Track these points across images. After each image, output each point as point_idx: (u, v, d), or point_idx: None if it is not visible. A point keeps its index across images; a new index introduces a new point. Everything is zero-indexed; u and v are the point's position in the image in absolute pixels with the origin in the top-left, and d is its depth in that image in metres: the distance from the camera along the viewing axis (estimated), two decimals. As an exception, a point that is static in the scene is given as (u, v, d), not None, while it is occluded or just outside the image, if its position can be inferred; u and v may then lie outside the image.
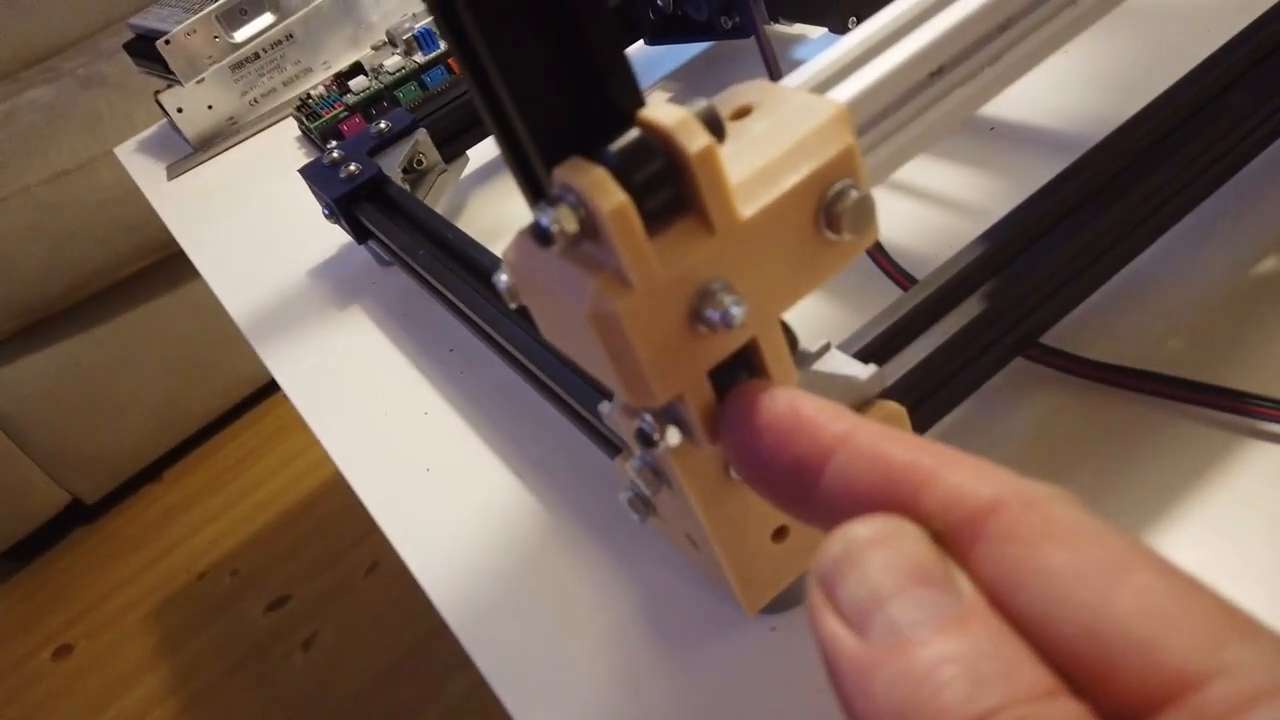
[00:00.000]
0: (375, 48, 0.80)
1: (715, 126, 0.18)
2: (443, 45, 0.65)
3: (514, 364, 0.36)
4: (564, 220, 0.17)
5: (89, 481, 1.50)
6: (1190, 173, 0.29)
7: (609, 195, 0.17)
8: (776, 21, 0.51)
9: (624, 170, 0.17)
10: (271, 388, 1.63)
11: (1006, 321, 0.28)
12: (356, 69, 0.69)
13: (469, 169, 0.55)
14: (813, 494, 0.16)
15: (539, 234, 0.18)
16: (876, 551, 0.14)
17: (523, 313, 0.22)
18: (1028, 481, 0.14)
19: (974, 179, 0.39)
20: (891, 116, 0.22)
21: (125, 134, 1.36)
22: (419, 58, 0.65)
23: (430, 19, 0.70)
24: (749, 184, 0.19)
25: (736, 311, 0.18)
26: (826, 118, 0.19)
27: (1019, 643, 0.12)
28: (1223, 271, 0.31)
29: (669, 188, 0.18)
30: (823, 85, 0.22)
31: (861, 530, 0.14)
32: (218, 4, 0.72)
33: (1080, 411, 0.29)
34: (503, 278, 0.22)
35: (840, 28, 0.47)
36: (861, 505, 0.15)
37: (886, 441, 0.15)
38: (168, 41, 0.71)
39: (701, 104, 0.18)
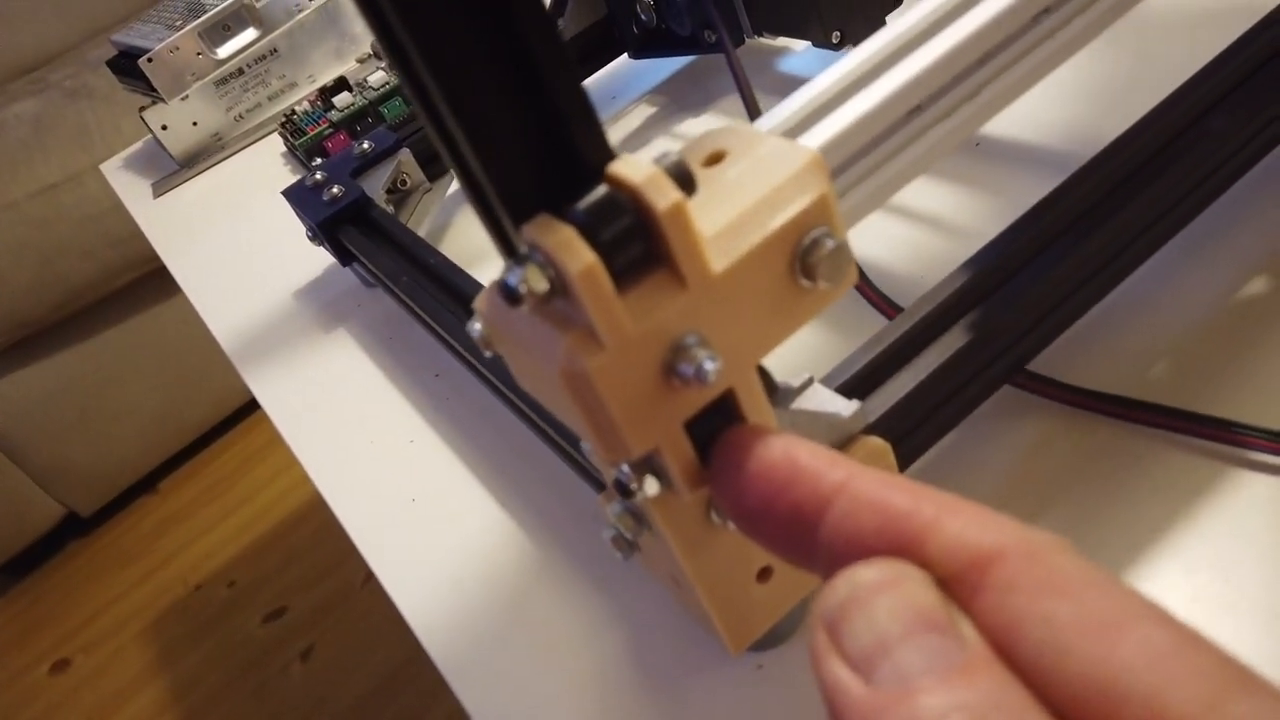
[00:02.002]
0: (360, 60, 0.80)
1: (685, 181, 0.18)
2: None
3: (497, 393, 0.36)
4: (533, 280, 0.17)
5: (83, 494, 1.50)
6: (1174, 196, 0.29)
7: (577, 255, 0.17)
8: (760, 35, 0.51)
9: (592, 228, 0.17)
10: (265, 397, 1.62)
11: (993, 350, 0.27)
12: (341, 84, 0.68)
13: (453, 187, 0.54)
14: (811, 542, 0.16)
15: (508, 293, 0.17)
16: (882, 595, 0.14)
17: (497, 360, 0.22)
18: (1030, 530, 0.14)
19: (958, 197, 0.39)
20: (869, 156, 0.21)
21: (113, 146, 1.35)
22: (403, 72, 0.65)
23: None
24: (721, 236, 0.19)
25: (710, 366, 0.18)
26: (800, 165, 0.19)
27: (1024, 693, 0.12)
28: (1208, 295, 0.30)
29: (638, 243, 0.18)
30: (799, 126, 0.22)
31: (867, 574, 0.14)
32: (200, 20, 0.72)
33: (1068, 439, 0.28)
34: (476, 327, 0.21)
35: (824, 41, 0.46)
36: (862, 553, 0.15)
37: (886, 489, 0.15)
38: (150, 59, 0.70)
39: (671, 156, 0.18)
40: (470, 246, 0.51)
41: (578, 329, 0.18)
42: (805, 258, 0.19)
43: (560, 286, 0.17)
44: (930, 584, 0.14)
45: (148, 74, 0.71)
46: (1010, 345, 0.28)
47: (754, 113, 0.26)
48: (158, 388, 1.50)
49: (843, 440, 0.25)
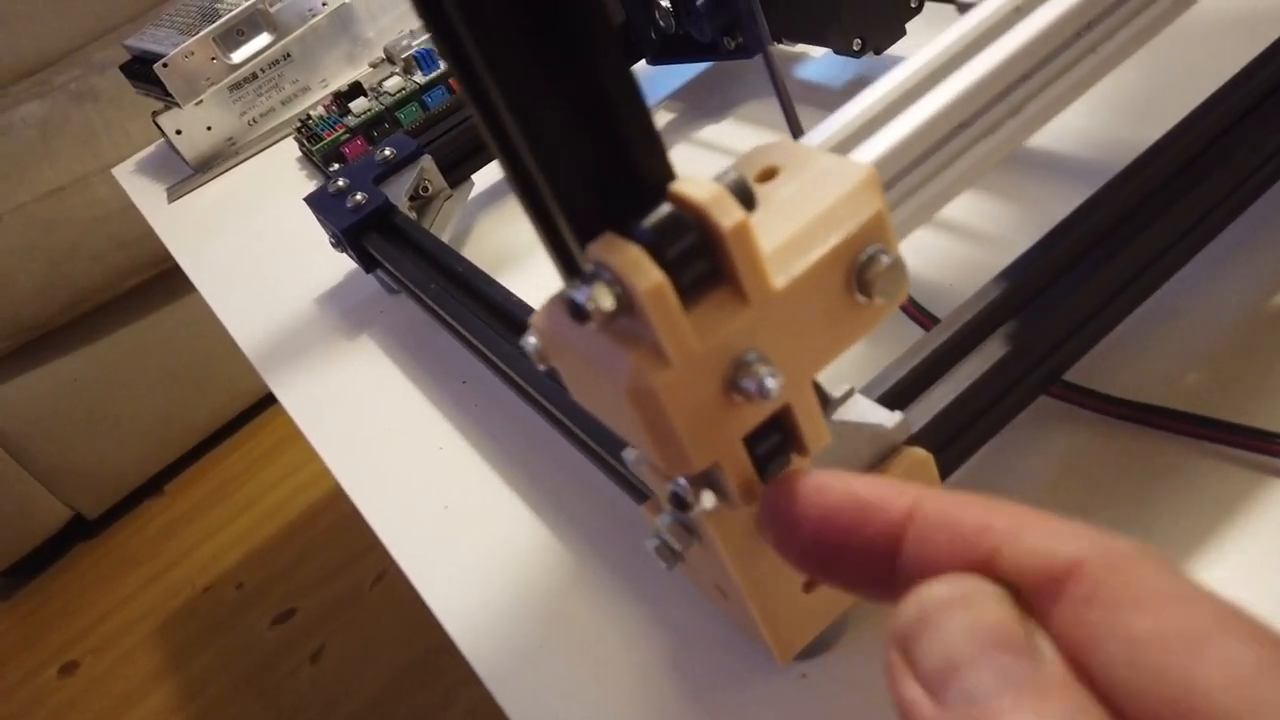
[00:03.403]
0: (373, 65, 0.80)
1: (747, 198, 0.18)
2: (442, 65, 0.65)
3: (529, 400, 0.36)
4: (600, 298, 0.17)
5: (90, 497, 1.50)
6: (1207, 204, 0.29)
7: (646, 274, 0.17)
8: (779, 41, 0.51)
9: (658, 247, 0.17)
10: (271, 399, 1.62)
11: (1030, 360, 0.28)
12: (356, 89, 0.68)
13: (473, 191, 0.55)
14: (889, 575, 0.16)
15: (575, 310, 0.17)
16: (955, 613, 0.14)
17: (530, 368, 0.22)
18: (1112, 539, 0.13)
19: (990, 206, 0.39)
20: (917, 171, 0.22)
21: (122, 149, 1.36)
22: (419, 78, 0.65)
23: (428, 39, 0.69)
24: (780, 252, 0.19)
25: (772, 383, 0.18)
26: (856, 182, 0.19)
27: (1101, 713, 0.12)
28: (1242, 303, 0.31)
29: (703, 261, 0.18)
30: (848, 142, 0.22)
31: (939, 590, 0.14)
32: (215, 25, 0.72)
33: (1104, 449, 0.29)
34: (531, 341, 0.21)
35: (845, 48, 0.47)
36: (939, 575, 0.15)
37: (956, 507, 0.15)
38: (165, 64, 0.70)
39: (731, 174, 0.18)
40: (493, 253, 0.51)
41: (644, 347, 0.18)
42: (862, 274, 0.19)
43: (627, 304, 0.17)
44: (1005, 599, 0.14)
45: (163, 79, 0.71)
46: (1047, 355, 0.28)
47: (794, 123, 0.27)
48: (164, 390, 1.50)
49: (885, 452, 0.25)
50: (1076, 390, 0.29)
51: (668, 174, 0.18)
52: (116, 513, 1.54)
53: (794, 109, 0.27)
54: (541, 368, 0.22)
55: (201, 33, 0.71)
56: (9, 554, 1.46)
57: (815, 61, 0.54)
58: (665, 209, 0.18)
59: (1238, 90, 0.30)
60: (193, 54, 0.72)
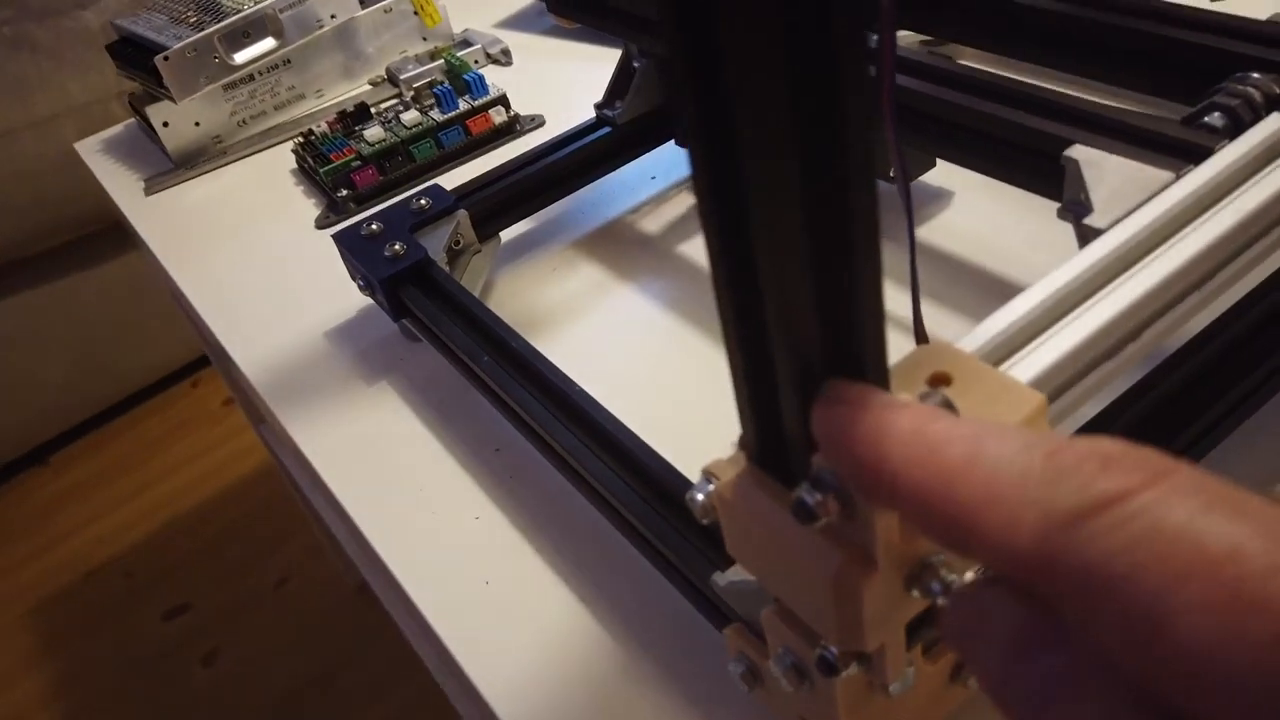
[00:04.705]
0: (373, 83, 0.80)
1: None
2: (462, 106, 0.66)
3: (589, 493, 0.37)
4: (830, 507, 0.19)
5: (-33, 461, 1.41)
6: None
7: (879, 495, 0.19)
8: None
9: (883, 464, 0.19)
10: (176, 379, 1.56)
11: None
12: (363, 111, 0.68)
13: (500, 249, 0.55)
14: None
15: (802, 512, 0.19)
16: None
17: (714, 530, 0.24)
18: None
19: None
20: (1074, 388, 0.25)
21: (55, 106, 1.29)
22: (436, 114, 0.66)
23: (448, 78, 0.70)
24: (965, 466, 0.21)
25: (954, 582, 0.21)
26: (1028, 412, 0.22)
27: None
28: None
29: (913, 476, 0.20)
30: (999, 352, 0.24)
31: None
32: (222, 25, 0.70)
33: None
34: (699, 498, 0.23)
35: (881, 173, 0.50)
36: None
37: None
38: (166, 58, 0.69)
39: (936, 396, 0.21)
40: (517, 313, 0.52)
41: (854, 548, 0.20)
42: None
43: (849, 511, 0.19)
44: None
45: (161, 71, 0.69)
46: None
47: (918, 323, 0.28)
48: (65, 359, 1.43)
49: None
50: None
51: (886, 384, 0.20)
52: (-8, 480, 1.46)
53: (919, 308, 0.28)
54: (704, 521, 0.24)
55: (207, 30, 0.70)
56: None
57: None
58: (885, 426, 0.20)
59: None
60: (195, 51, 0.70)
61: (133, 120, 0.83)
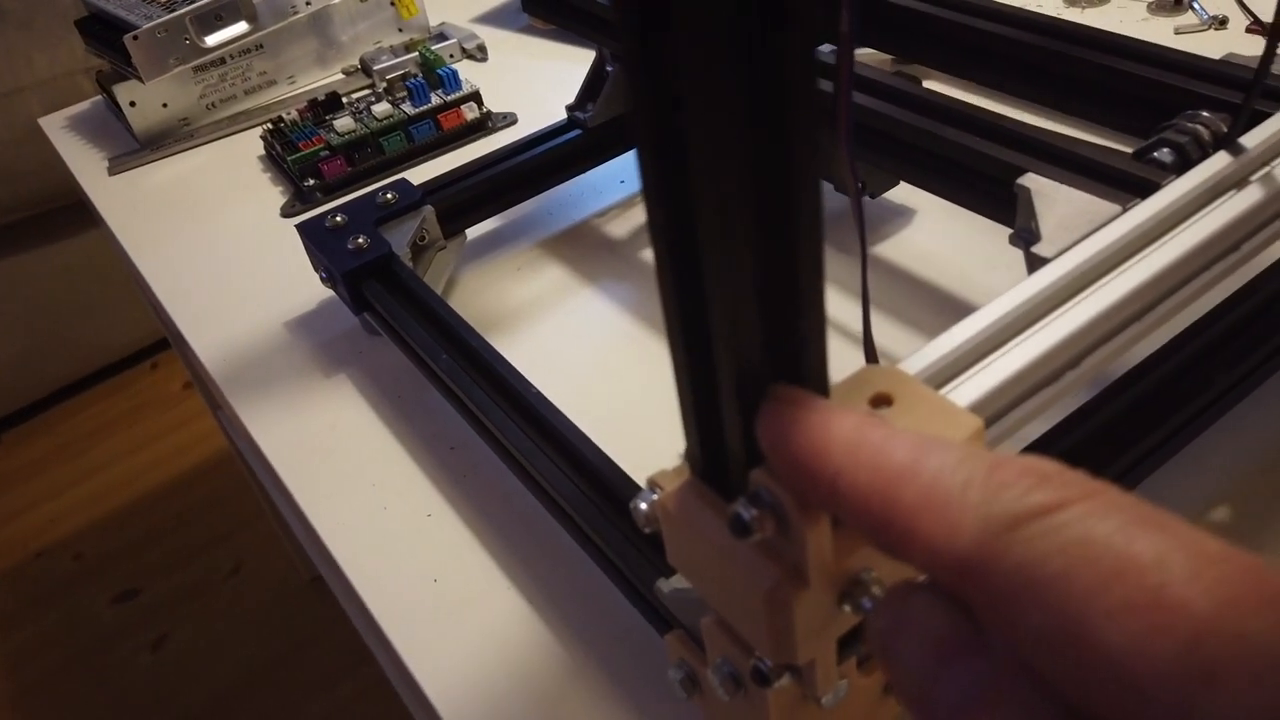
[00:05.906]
0: (347, 72, 0.79)
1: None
2: (434, 100, 0.66)
3: (543, 497, 0.38)
4: (766, 523, 0.20)
5: (-84, 436, 1.39)
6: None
7: (813, 515, 0.19)
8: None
9: (819, 483, 0.20)
10: (138, 358, 1.54)
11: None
12: (334, 101, 0.68)
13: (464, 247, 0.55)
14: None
15: (738, 526, 0.20)
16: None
17: (654, 539, 0.24)
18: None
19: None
20: (1008, 416, 0.25)
21: (21, 78, 1.27)
22: (408, 107, 0.65)
23: (421, 71, 0.70)
24: (901, 487, 0.22)
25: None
26: (966, 435, 0.22)
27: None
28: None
29: (848, 495, 0.20)
30: (942, 375, 0.25)
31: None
32: (193, 6, 0.70)
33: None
34: (643, 507, 0.24)
35: (846, 188, 0.50)
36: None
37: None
38: (136, 37, 0.68)
39: (877, 416, 0.21)
40: (479, 312, 0.52)
41: (787, 564, 0.20)
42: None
43: (784, 530, 0.20)
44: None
45: (130, 50, 0.68)
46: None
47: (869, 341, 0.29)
48: (19, 337, 1.41)
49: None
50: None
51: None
52: (-59, 456, 1.43)
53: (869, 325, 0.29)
54: (646, 530, 0.24)
55: (179, 10, 0.69)
56: None
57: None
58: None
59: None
60: (165, 31, 0.69)
61: (100, 98, 0.82)
